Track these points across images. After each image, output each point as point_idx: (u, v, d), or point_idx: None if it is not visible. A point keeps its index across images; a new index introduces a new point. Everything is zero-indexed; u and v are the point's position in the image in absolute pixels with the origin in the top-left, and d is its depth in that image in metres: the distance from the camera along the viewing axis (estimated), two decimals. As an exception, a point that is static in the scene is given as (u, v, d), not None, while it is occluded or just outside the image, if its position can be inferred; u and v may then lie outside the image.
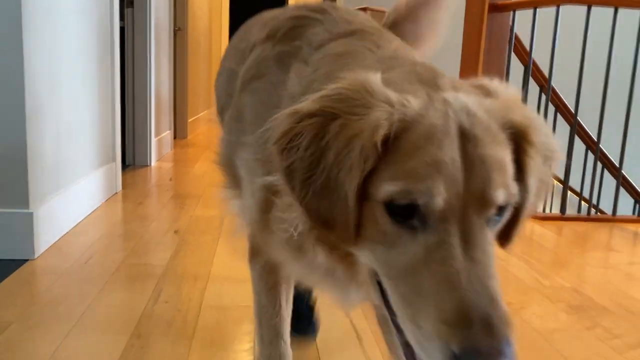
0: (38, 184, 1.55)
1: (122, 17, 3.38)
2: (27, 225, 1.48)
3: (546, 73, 2.52)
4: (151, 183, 2.72)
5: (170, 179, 2.85)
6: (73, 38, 1.85)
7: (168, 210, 2.17)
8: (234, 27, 7.05)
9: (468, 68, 2.59)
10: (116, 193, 2.43)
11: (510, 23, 2.49)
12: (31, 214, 1.49)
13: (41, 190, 1.58)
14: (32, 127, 1.50)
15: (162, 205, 2.26)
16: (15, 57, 1.41)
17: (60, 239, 1.70)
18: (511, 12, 2.47)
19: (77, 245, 1.67)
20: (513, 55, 2.58)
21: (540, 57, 2.64)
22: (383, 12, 3.41)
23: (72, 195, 1.84)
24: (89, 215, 2.02)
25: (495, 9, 2.47)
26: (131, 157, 3.28)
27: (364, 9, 3.36)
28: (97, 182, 2.14)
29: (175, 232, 1.87)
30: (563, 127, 2.79)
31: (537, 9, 2.39)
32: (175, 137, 4.86)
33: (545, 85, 2.76)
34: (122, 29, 3.36)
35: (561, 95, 2.95)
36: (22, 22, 1.42)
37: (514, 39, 2.51)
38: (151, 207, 2.22)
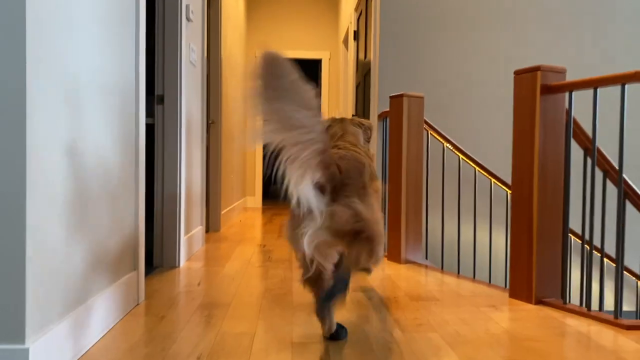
0: (38, 311, 1.33)
1: (152, 114, 3.32)
2: (20, 365, 1.25)
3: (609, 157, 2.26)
4: (177, 289, 2.49)
5: (199, 284, 2.62)
6: (85, 134, 1.70)
7: (192, 326, 1.92)
8: None
9: (523, 155, 2.34)
10: (138, 304, 2.21)
11: (567, 105, 2.27)
12: (27, 351, 1.26)
13: (42, 318, 1.36)
14: (34, 242, 1.31)
15: (187, 319, 2.01)
16: (15, 158, 1.25)
17: (62, 374, 1.46)
18: (566, 94, 2.25)
19: (81, 382, 1.42)
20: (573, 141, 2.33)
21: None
22: (420, 97, 3.27)
23: (81, 319, 1.61)
24: (103, 336, 1.79)
25: (548, 90, 2.26)
26: (159, 258, 3.09)
27: (401, 96, 3.22)
28: (114, 297, 1.92)
29: (198, 358, 1.61)
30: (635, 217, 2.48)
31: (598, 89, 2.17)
32: (207, 231, 4.69)
33: (610, 170, 2.48)
34: (152, 126, 3.29)
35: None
36: (27, 123, 1.26)
37: (572, 122, 2.28)
38: (174, 322, 1.97)
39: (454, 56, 3.94)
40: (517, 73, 2.36)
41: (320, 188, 1.43)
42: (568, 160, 2.29)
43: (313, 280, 1.65)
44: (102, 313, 1.79)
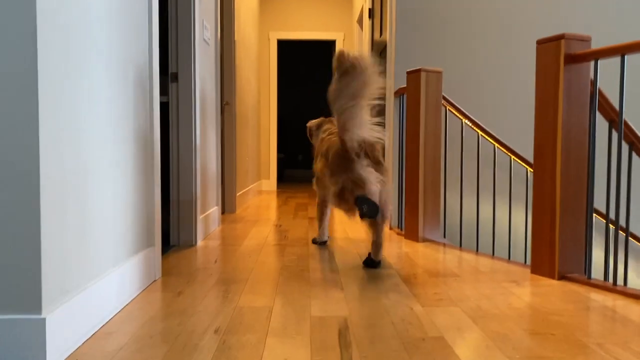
0: (54, 282, 1.32)
1: (165, 92, 3.30)
2: (37, 334, 1.24)
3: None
4: (194, 266, 2.48)
5: (216, 261, 2.60)
6: (101, 116, 1.68)
7: (210, 300, 1.91)
8: (282, 102, 7.39)
9: (545, 128, 2.28)
10: (155, 281, 2.20)
11: (592, 75, 2.19)
12: (43, 321, 1.25)
13: (58, 289, 1.35)
14: (49, 216, 1.29)
15: (204, 294, 2.00)
16: (29, 139, 1.23)
17: (79, 347, 1.45)
18: (591, 63, 2.17)
19: (99, 353, 1.41)
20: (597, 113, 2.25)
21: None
22: (438, 72, 3.19)
23: (99, 291, 1.60)
24: (119, 311, 1.78)
25: (572, 59, 2.18)
26: (176, 237, 3.08)
27: (418, 70, 3.15)
28: (131, 271, 1.91)
29: (216, 331, 1.59)
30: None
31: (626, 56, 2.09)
32: (223, 212, 4.69)
33: (637, 143, 2.40)
34: (165, 104, 3.27)
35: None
36: (39, 98, 1.24)
37: (597, 93, 2.20)
38: (192, 296, 1.96)
39: (473, 30, 3.85)
40: (540, 42, 2.28)
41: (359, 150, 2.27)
42: (593, 132, 2.22)
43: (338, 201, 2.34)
44: (118, 287, 1.78)
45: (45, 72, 1.26)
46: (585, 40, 2.19)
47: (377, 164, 2.29)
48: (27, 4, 1.21)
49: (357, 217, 2.32)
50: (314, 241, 3.12)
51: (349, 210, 2.32)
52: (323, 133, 2.81)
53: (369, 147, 2.27)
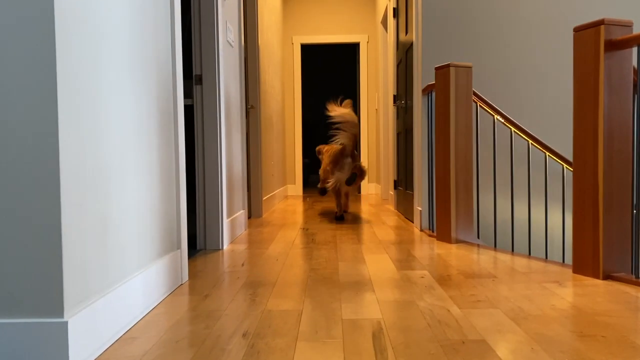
0: (76, 284, 1.28)
1: (190, 95, 3.27)
2: (59, 338, 1.19)
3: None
4: (221, 270, 2.43)
5: (243, 264, 2.55)
6: (124, 117, 1.64)
7: (237, 304, 1.84)
8: (306, 107, 7.63)
9: (585, 120, 2.16)
10: (181, 284, 2.15)
11: (635, 62, 2.07)
12: (65, 324, 1.20)
13: (81, 292, 1.30)
14: (70, 218, 1.24)
15: (232, 297, 1.94)
16: (49, 141, 1.19)
17: (103, 352, 1.40)
18: (634, 49, 2.05)
19: (123, 359, 1.35)
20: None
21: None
22: (468, 67, 3.09)
23: (123, 295, 1.55)
24: (145, 315, 1.73)
25: (613, 46, 2.06)
26: (202, 241, 3.04)
27: (447, 66, 3.05)
28: (157, 275, 1.86)
29: (244, 335, 1.52)
30: None
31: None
32: (249, 217, 4.65)
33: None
34: (190, 107, 3.24)
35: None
36: (58, 98, 1.20)
37: (640, 79, 2.07)
38: (219, 300, 1.90)
39: (502, 21, 3.73)
40: (577, 30, 2.17)
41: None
42: (638, 123, 2.09)
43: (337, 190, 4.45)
44: (143, 291, 1.73)
45: (65, 74, 1.22)
46: (627, 25, 2.07)
47: (353, 157, 4.31)
48: (45, 13, 1.18)
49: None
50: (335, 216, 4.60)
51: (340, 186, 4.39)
52: (326, 153, 4.65)
53: (350, 151, 4.30)
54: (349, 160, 4.26)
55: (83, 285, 1.31)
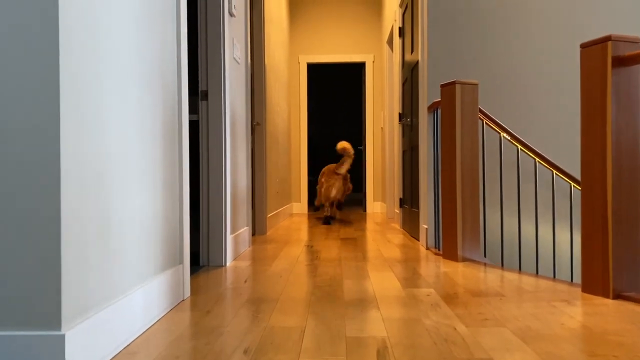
0: (75, 297, 1.25)
1: (195, 111, 3.28)
2: (56, 351, 1.16)
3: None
4: (224, 286, 2.40)
5: (245, 281, 2.52)
6: (128, 132, 1.63)
7: (239, 320, 1.81)
8: (312, 125, 7.70)
9: (593, 136, 2.14)
10: (183, 300, 2.12)
11: (643, 77, 2.05)
12: (62, 337, 1.17)
13: (79, 305, 1.27)
14: (70, 230, 1.23)
15: (234, 313, 1.91)
16: (50, 151, 1.17)
17: (102, 365, 1.37)
18: (642, 65, 2.03)
19: (122, 373, 1.32)
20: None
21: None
22: (474, 84, 3.08)
23: (123, 309, 1.53)
24: (145, 330, 1.70)
25: (621, 62, 2.05)
26: (205, 257, 3.02)
27: (453, 83, 3.05)
28: (158, 289, 1.84)
29: (245, 351, 1.49)
30: None
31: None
32: (253, 234, 4.62)
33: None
34: (195, 122, 3.25)
35: None
36: (60, 108, 1.19)
37: (649, 96, 2.05)
38: (220, 316, 1.87)
39: (508, 41, 3.73)
40: (584, 46, 2.16)
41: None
42: (646, 139, 2.07)
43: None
44: (145, 305, 1.71)
45: (69, 84, 1.22)
46: (634, 42, 2.06)
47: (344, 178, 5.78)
48: (49, 28, 1.18)
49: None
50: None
51: (327, 200, 5.73)
52: (323, 175, 5.83)
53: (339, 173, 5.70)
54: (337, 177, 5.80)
55: (82, 298, 1.29)
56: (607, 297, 2.08)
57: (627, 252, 2.08)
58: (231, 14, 3.22)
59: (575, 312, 1.88)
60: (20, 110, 1.18)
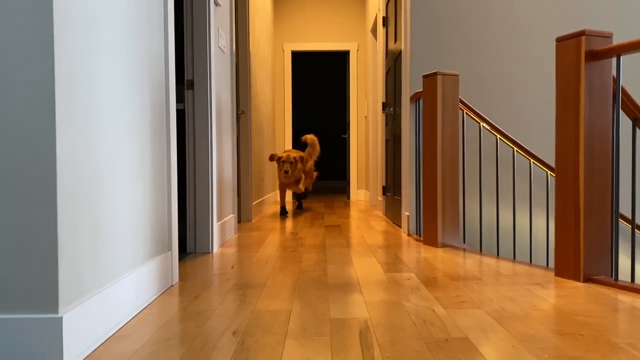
0: (71, 281, 1.31)
1: (182, 100, 3.31)
2: (54, 333, 1.22)
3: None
4: (211, 272, 2.46)
5: (232, 267, 2.58)
6: (118, 121, 1.67)
7: (227, 304, 1.88)
8: (296, 113, 7.69)
9: (567, 127, 2.23)
10: (172, 286, 2.18)
11: (614, 72, 2.14)
12: (60, 320, 1.23)
13: (75, 289, 1.33)
14: (65, 217, 1.28)
15: (221, 297, 1.97)
16: (46, 143, 1.22)
17: (96, 349, 1.43)
18: (613, 59, 2.12)
19: (116, 356, 1.39)
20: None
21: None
22: (455, 75, 3.16)
23: (115, 294, 1.58)
24: (136, 314, 1.76)
25: (594, 56, 2.14)
26: (192, 244, 3.07)
27: (434, 74, 3.12)
28: (148, 275, 1.90)
29: (234, 333, 1.56)
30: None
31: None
32: (239, 221, 4.67)
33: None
34: (182, 111, 3.28)
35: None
36: (55, 97, 1.24)
37: (620, 91, 2.15)
38: (209, 300, 1.94)
39: (488, 32, 3.82)
40: (560, 40, 2.25)
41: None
42: (617, 131, 2.17)
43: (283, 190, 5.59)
44: (135, 290, 1.76)
45: (60, 78, 1.26)
46: (607, 36, 2.15)
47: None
48: (44, 19, 1.22)
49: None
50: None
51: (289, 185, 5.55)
52: (280, 161, 5.42)
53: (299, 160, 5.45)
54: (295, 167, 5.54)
55: (77, 283, 1.34)
56: (578, 280, 2.19)
57: (598, 238, 2.19)
58: (216, 3, 3.25)
59: (547, 295, 1.98)
60: (20, 109, 1.22)
